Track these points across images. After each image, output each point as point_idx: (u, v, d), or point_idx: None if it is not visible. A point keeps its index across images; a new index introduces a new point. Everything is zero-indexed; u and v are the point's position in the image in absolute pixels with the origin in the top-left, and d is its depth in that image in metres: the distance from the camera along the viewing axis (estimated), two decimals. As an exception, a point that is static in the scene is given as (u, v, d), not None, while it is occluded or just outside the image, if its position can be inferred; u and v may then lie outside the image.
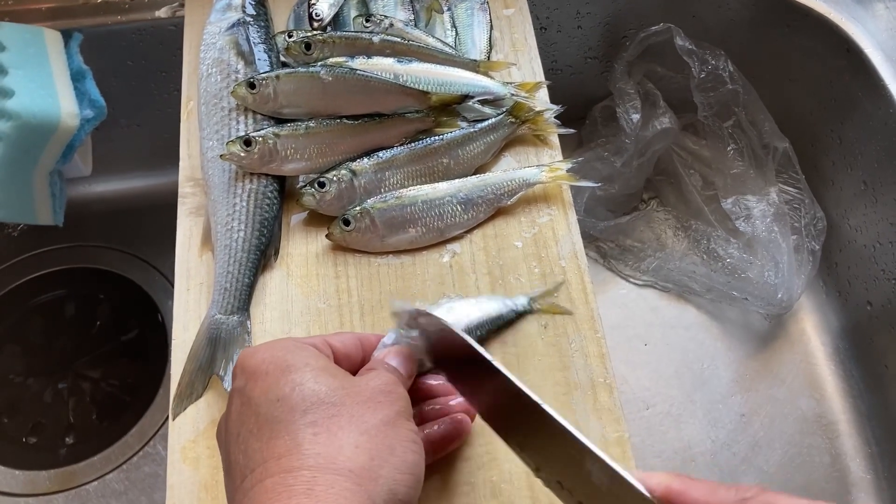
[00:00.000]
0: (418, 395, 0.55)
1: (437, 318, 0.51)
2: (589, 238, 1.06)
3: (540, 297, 0.64)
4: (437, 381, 0.56)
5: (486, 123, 0.72)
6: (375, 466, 0.43)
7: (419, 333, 0.53)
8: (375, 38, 0.74)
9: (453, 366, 0.52)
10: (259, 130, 0.67)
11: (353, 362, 0.52)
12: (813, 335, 1.03)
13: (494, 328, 0.63)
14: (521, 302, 0.64)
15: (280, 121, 0.70)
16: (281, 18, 0.80)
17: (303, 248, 0.68)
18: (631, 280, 1.06)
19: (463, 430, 0.56)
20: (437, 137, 0.70)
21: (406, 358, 0.52)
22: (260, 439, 0.44)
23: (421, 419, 0.54)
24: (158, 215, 1.01)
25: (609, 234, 1.06)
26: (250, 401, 0.46)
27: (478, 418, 0.58)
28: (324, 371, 0.47)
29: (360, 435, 0.44)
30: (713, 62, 0.97)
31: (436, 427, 0.54)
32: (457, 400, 0.56)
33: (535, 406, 0.43)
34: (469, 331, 0.61)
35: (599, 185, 1.01)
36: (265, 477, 0.42)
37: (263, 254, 0.66)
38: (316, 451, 0.42)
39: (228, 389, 0.59)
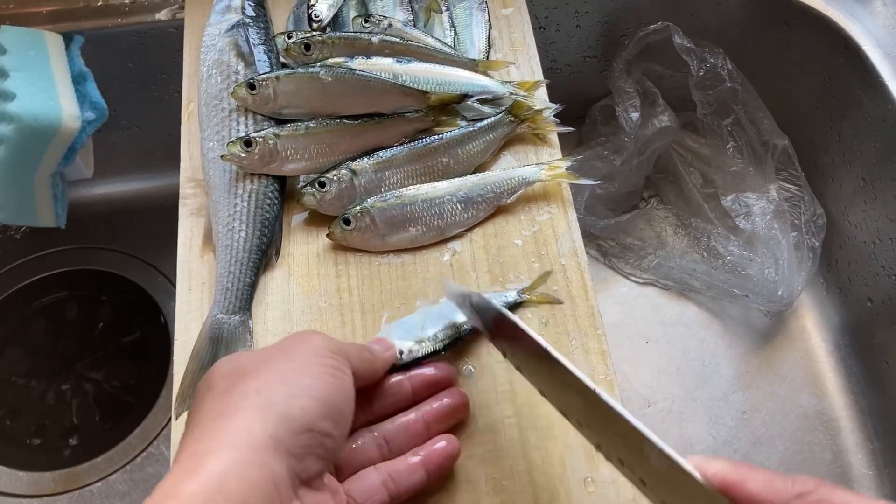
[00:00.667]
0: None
1: (490, 303, 0.55)
2: (589, 236, 1.06)
3: (529, 289, 0.65)
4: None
5: (485, 122, 0.72)
6: (263, 400, 0.44)
7: (473, 313, 0.57)
8: (374, 39, 0.74)
9: (512, 345, 0.55)
10: (259, 131, 0.68)
11: (363, 370, 0.53)
12: (814, 332, 1.03)
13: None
14: (510, 296, 0.64)
15: (280, 121, 0.70)
16: (280, 20, 0.80)
17: (304, 248, 0.68)
18: (632, 278, 1.07)
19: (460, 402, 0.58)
20: (436, 137, 0.71)
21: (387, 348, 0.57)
22: (193, 407, 0.47)
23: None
24: (160, 217, 1.01)
25: (609, 233, 1.06)
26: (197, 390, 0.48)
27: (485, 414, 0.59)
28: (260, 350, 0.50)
29: (257, 383, 0.45)
30: (712, 60, 0.97)
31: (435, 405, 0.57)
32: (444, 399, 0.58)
33: (593, 393, 0.44)
34: (460, 325, 0.61)
35: (599, 182, 1.02)
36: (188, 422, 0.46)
37: (265, 253, 0.66)
38: (227, 384, 0.46)
39: None
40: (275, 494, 0.41)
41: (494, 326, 0.56)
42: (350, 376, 0.49)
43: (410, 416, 0.56)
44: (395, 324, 0.62)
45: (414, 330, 0.60)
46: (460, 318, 0.61)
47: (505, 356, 0.57)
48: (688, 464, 0.38)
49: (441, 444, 0.55)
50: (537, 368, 0.52)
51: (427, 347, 0.59)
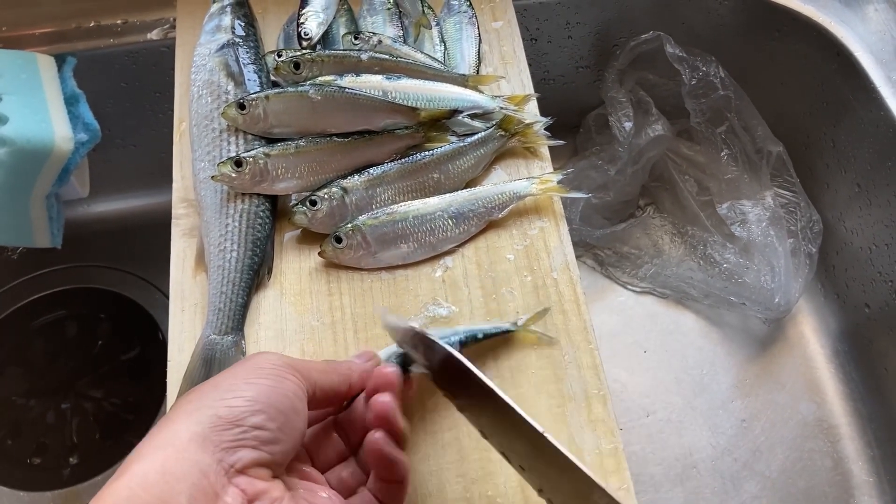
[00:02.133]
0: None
1: (431, 338, 0.52)
2: (586, 246, 1.06)
3: (524, 327, 0.64)
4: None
5: (475, 137, 0.72)
6: (194, 405, 0.46)
7: (414, 350, 0.53)
8: (364, 56, 0.74)
9: (452, 383, 0.52)
10: (250, 151, 0.68)
11: (334, 389, 0.53)
12: (812, 339, 1.03)
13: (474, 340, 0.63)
14: (504, 327, 0.64)
15: (271, 140, 0.70)
16: (271, 38, 0.80)
17: (296, 267, 0.68)
18: (629, 287, 1.06)
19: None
20: (427, 153, 0.71)
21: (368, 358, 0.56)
22: None
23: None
24: (156, 234, 1.01)
25: (606, 242, 1.06)
26: None
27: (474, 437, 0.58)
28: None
29: (192, 394, 0.47)
30: (704, 68, 0.97)
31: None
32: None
33: (539, 435, 0.44)
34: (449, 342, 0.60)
35: (589, 195, 1.02)
36: None
37: (257, 273, 0.66)
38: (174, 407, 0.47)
39: None
40: (203, 481, 0.42)
41: (439, 366, 0.53)
42: (295, 380, 0.49)
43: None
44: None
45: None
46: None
47: (449, 398, 0.54)
48: None
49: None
50: (481, 410, 0.51)
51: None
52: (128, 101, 0.96)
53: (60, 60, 0.86)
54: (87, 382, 1.00)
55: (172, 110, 0.76)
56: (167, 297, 1.03)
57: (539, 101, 0.77)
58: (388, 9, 0.81)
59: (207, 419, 0.44)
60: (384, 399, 0.51)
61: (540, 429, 0.44)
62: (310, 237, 0.69)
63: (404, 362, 0.55)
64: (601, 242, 1.06)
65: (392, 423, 0.50)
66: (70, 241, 0.92)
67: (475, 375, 0.49)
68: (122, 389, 1.00)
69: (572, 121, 1.12)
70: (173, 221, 0.70)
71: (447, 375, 0.52)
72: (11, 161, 0.78)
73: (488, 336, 0.63)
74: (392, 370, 0.53)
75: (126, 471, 0.42)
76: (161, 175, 1.04)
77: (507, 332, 0.63)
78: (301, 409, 0.49)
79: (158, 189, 1.08)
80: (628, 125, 0.98)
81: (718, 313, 1.04)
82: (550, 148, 0.75)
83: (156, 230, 1.05)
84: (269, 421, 0.46)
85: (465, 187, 0.71)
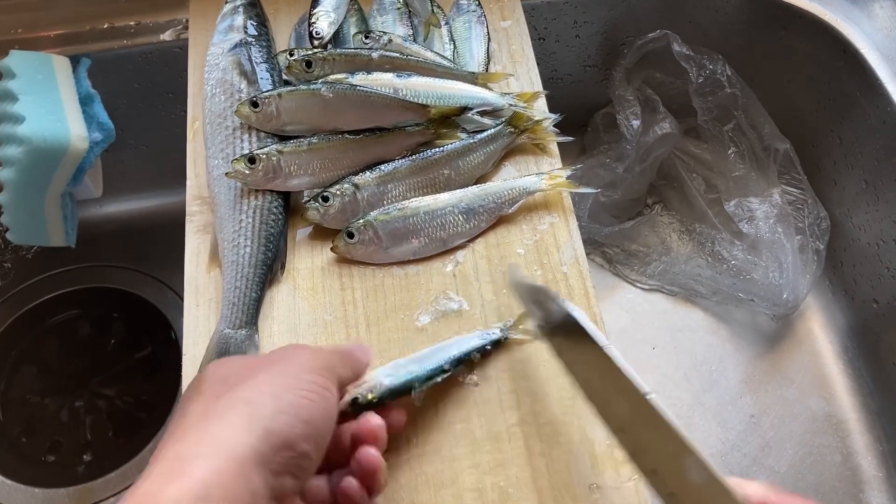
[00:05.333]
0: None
1: (552, 294, 0.55)
2: (594, 244, 1.07)
3: (512, 328, 0.64)
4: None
5: (485, 134, 0.73)
6: (250, 411, 0.44)
7: (535, 305, 0.58)
8: (375, 54, 0.75)
9: (565, 341, 0.55)
10: (263, 148, 0.69)
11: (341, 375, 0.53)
12: (820, 334, 1.03)
13: (466, 359, 0.63)
14: (494, 333, 0.64)
15: (283, 138, 0.71)
16: (282, 38, 0.81)
17: (308, 262, 0.69)
18: (637, 284, 1.07)
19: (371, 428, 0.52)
20: (437, 149, 0.72)
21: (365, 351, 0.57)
22: (181, 408, 0.47)
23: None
24: (169, 234, 1.02)
25: (614, 240, 1.07)
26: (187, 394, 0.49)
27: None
28: (247, 365, 0.50)
29: (243, 389, 0.46)
30: (711, 66, 0.98)
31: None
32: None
33: (642, 398, 0.44)
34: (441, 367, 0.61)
35: (599, 190, 1.02)
36: (173, 423, 0.45)
37: (270, 268, 0.67)
38: (215, 390, 0.46)
39: None
40: None
41: (554, 324, 0.55)
42: (335, 395, 0.49)
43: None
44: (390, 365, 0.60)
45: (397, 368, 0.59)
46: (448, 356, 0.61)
47: (557, 355, 0.57)
48: (729, 483, 0.38)
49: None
50: (589, 370, 0.52)
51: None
52: (140, 101, 0.97)
53: (75, 61, 0.87)
54: (101, 381, 1.01)
55: (185, 111, 0.77)
56: (180, 296, 1.05)
57: (547, 99, 0.77)
58: (398, 8, 0.82)
59: (265, 434, 0.43)
60: (372, 454, 0.50)
61: (646, 390, 0.44)
62: (322, 233, 0.70)
63: (379, 399, 0.55)
64: (609, 240, 1.07)
65: (376, 479, 0.50)
66: (83, 240, 0.93)
67: (590, 338, 0.50)
68: (136, 388, 1.01)
69: (580, 120, 1.12)
70: (187, 218, 0.71)
71: (562, 333, 0.54)
72: (27, 160, 0.79)
73: (482, 352, 0.63)
74: (378, 423, 0.52)
75: (184, 473, 0.40)
76: (173, 175, 1.06)
77: (499, 342, 0.64)
78: (331, 433, 0.49)
79: (171, 189, 1.09)
80: (636, 123, 0.99)
81: (727, 310, 1.04)
82: (558, 146, 0.76)
83: (168, 230, 1.06)
84: (315, 449, 0.46)
85: (475, 183, 0.72)
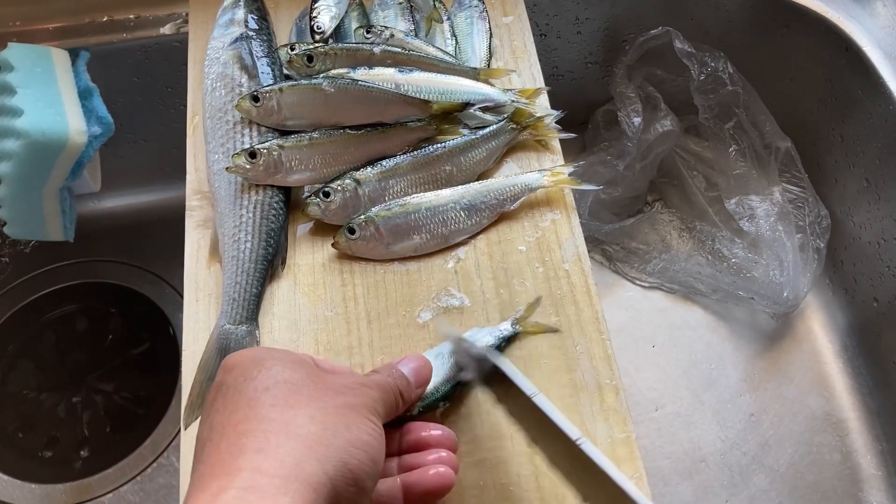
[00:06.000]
0: (410, 445, 0.55)
1: (478, 350, 0.54)
2: (594, 241, 1.07)
3: (521, 318, 0.64)
4: (434, 432, 0.55)
5: (487, 130, 0.72)
6: (328, 435, 0.43)
7: (468, 358, 0.56)
8: (376, 49, 0.75)
9: (504, 392, 0.54)
10: (264, 143, 0.68)
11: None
12: (820, 333, 1.03)
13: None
14: (505, 328, 0.64)
15: (284, 133, 0.71)
16: (283, 32, 0.81)
17: (309, 258, 0.69)
18: (637, 282, 1.07)
19: (444, 483, 0.53)
20: (439, 145, 0.71)
21: (421, 366, 0.54)
22: (224, 413, 0.45)
23: (403, 468, 0.54)
24: (167, 229, 1.02)
25: (614, 237, 1.07)
26: (221, 386, 0.47)
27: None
28: (295, 363, 0.48)
29: (316, 410, 0.44)
30: (713, 64, 0.97)
31: (417, 476, 0.53)
32: (439, 454, 0.54)
33: (574, 444, 0.44)
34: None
35: (601, 187, 1.02)
36: (221, 441, 0.43)
37: (270, 264, 0.67)
38: (271, 417, 0.43)
39: None
40: None
41: (488, 374, 0.55)
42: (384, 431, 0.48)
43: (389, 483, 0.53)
44: None
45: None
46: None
47: (497, 401, 0.56)
48: None
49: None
50: (526, 416, 0.51)
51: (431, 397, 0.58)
52: (139, 95, 0.97)
53: (74, 55, 0.87)
54: (98, 376, 1.01)
55: (184, 105, 0.77)
56: (177, 291, 1.05)
57: (548, 96, 0.77)
58: (400, 3, 0.81)
59: (341, 468, 0.42)
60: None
61: (575, 436, 0.44)
62: (323, 229, 0.70)
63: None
64: (609, 238, 1.07)
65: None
66: (81, 235, 0.93)
67: (514, 383, 0.49)
68: (133, 383, 1.01)
69: (581, 116, 1.12)
70: (187, 213, 0.71)
71: (496, 381, 0.53)
72: (26, 153, 0.78)
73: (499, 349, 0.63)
74: (450, 478, 0.52)
75: (264, 493, 0.39)
76: (172, 170, 1.06)
77: (513, 336, 0.64)
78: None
79: (169, 184, 1.09)
80: (637, 121, 0.99)
81: (727, 308, 1.04)
82: (560, 143, 0.75)
83: (166, 225, 1.07)
84: (374, 485, 0.45)
85: (477, 180, 0.72)
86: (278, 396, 0.45)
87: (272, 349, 0.50)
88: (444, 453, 0.54)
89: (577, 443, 0.43)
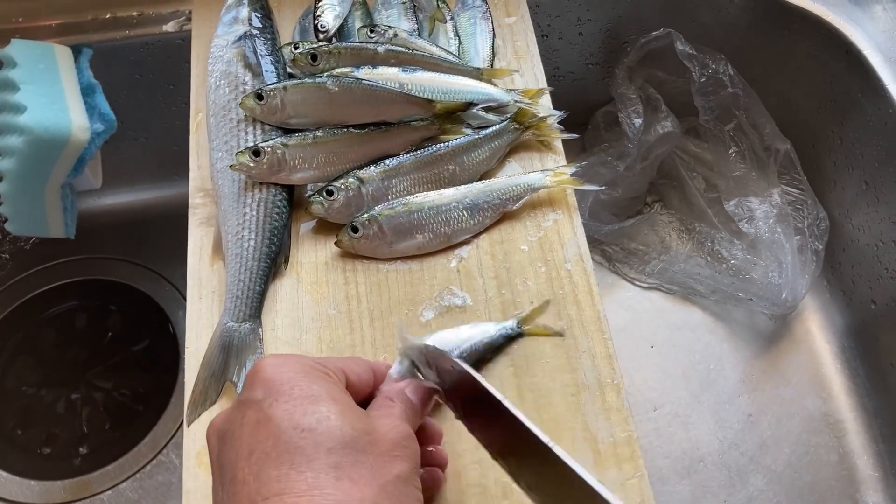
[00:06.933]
0: None
1: (447, 356, 0.51)
2: (594, 242, 1.07)
3: (527, 319, 0.65)
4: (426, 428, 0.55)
5: (490, 130, 0.73)
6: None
7: (427, 368, 0.52)
8: (380, 48, 0.75)
9: (463, 402, 0.51)
10: (267, 141, 0.69)
11: (362, 394, 0.52)
12: (818, 335, 1.04)
13: (484, 353, 0.63)
14: (510, 325, 0.64)
15: (288, 131, 0.71)
16: (286, 31, 0.81)
17: (312, 256, 0.69)
18: (636, 283, 1.07)
19: (438, 484, 0.55)
20: (442, 145, 0.71)
21: (426, 394, 0.52)
22: (279, 468, 0.42)
23: None
24: (168, 226, 1.03)
25: (614, 238, 1.07)
26: (270, 420, 0.44)
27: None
28: (349, 409, 0.46)
29: (379, 490, 0.43)
30: (713, 66, 0.98)
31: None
32: (432, 448, 0.55)
33: (547, 449, 0.43)
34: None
35: (603, 188, 1.03)
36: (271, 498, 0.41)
37: (273, 262, 0.67)
38: (337, 499, 0.41)
39: None
40: None
41: (451, 384, 0.51)
42: None
43: None
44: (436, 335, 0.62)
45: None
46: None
47: (459, 418, 0.52)
48: None
49: None
50: (489, 429, 0.50)
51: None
52: (141, 93, 0.97)
53: (77, 51, 0.86)
54: (98, 373, 1.01)
55: (186, 103, 0.77)
56: (178, 289, 1.05)
57: (550, 96, 0.77)
58: (403, 3, 0.81)
59: None
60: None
61: (546, 439, 0.43)
62: (326, 227, 0.70)
63: None
64: (609, 238, 1.07)
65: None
66: (81, 232, 0.93)
67: (489, 394, 0.47)
68: (132, 380, 1.01)
69: (581, 117, 1.13)
70: (190, 211, 0.71)
71: (460, 394, 0.51)
72: (28, 150, 0.78)
73: (497, 349, 0.63)
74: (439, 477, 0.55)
75: None
76: (173, 167, 1.06)
77: (514, 337, 0.64)
78: None
79: (170, 181, 1.09)
80: (638, 122, 0.99)
81: (725, 309, 1.04)
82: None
83: (167, 222, 1.07)
84: None
85: (480, 179, 0.72)
86: (342, 467, 0.43)
87: (313, 371, 0.48)
88: (431, 448, 0.54)
89: (549, 446, 0.43)
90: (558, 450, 0.42)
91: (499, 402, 0.46)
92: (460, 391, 0.50)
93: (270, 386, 0.46)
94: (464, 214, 0.69)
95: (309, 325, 0.65)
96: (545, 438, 0.43)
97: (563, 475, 0.42)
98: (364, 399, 0.51)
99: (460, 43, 0.81)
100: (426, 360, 0.52)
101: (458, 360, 0.50)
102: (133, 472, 0.94)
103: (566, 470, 0.42)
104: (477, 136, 0.72)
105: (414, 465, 0.47)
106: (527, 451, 0.45)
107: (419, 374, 0.53)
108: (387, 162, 0.70)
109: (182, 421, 0.94)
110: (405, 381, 0.52)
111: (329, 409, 0.44)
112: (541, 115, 0.74)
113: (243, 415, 0.45)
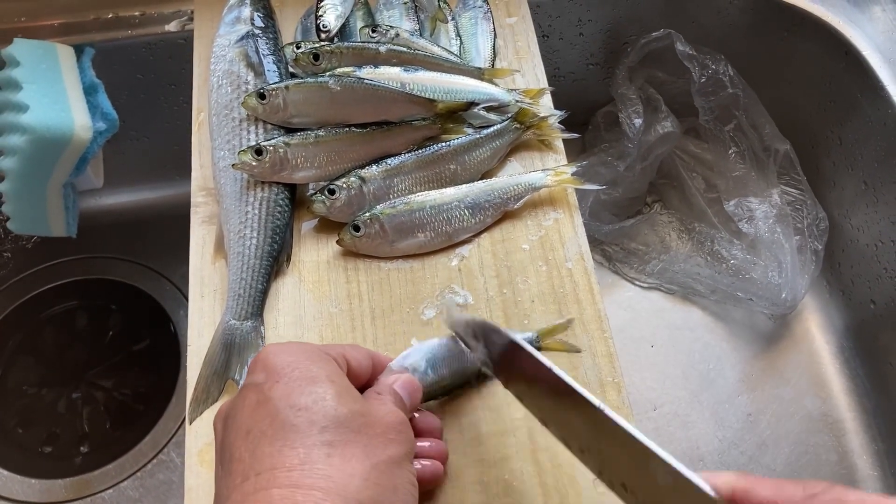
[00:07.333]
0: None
1: (497, 327, 0.52)
2: (594, 242, 1.07)
3: (548, 333, 0.64)
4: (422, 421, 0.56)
5: (491, 129, 0.73)
6: (380, 502, 0.43)
7: (474, 340, 0.54)
8: (382, 48, 0.75)
9: (512, 371, 0.53)
10: (270, 140, 0.69)
11: (361, 380, 0.53)
12: (818, 334, 1.04)
13: None
14: (528, 337, 0.64)
15: (290, 130, 0.71)
16: (289, 30, 0.81)
17: (314, 255, 0.69)
18: (636, 283, 1.07)
19: (437, 476, 0.55)
20: (443, 144, 0.72)
21: (415, 390, 0.53)
22: (272, 444, 0.44)
23: None
24: (169, 226, 1.03)
25: (614, 238, 1.07)
26: (269, 401, 0.46)
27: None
28: (346, 392, 0.47)
29: (371, 468, 0.44)
30: (713, 67, 0.98)
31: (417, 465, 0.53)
32: (430, 442, 0.56)
33: (598, 411, 0.44)
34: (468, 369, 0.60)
35: (604, 187, 1.03)
36: (272, 486, 0.42)
37: (276, 260, 0.67)
38: (328, 473, 0.42)
39: None
40: None
41: (499, 356, 0.54)
42: None
43: None
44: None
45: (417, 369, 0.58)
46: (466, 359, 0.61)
47: (506, 385, 0.55)
48: (697, 477, 0.38)
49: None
50: (540, 396, 0.51)
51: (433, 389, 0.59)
52: (143, 92, 0.97)
53: (79, 51, 0.87)
54: (98, 372, 1.01)
55: (188, 102, 0.77)
56: (179, 288, 1.05)
57: (550, 96, 0.78)
58: (405, 3, 0.82)
59: None
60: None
61: (598, 403, 0.44)
62: (328, 226, 0.70)
63: None
64: (609, 238, 1.07)
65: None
66: (83, 232, 0.93)
67: (537, 361, 0.48)
68: (133, 379, 1.01)
69: (582, 117, 1.13)
70: (192, 209, 0.71)
71: (508, 363, 0.53)
72: (31, 149, 0.79)
73: None
74: (439, 470, 0.55)
75: None
76: (174, 167, 1.06)
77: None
78: None
79: (172, 181, 1.09)
80: (638, 122, 0.99)
81: (725, 309, 1.05)
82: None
83: (168, 222, 1.07)
84: None
85: (481, 179, 0.72)
86: (335, 445, 0.44)
87: (313, 353, 0.49)
88: (427, 443, 0.55)
89: (601, 409, 0.43)
90: (609, 411, 0.43)
91: (548, 370, 0.47)
92: (509, 361, 0.52)
93: (272, 369, 0.47)
94: (465, 213, 0.69)
95: (311, 324, 0.66)
96: (596, 401, 0.44)
97: (613, 436, 0.43)
98: (362, 387, 0.52)
99: (462, 43, 0.81)
100: (473, 333, 0.55)
101: (508, 331, 0.52)
102: (134, 471, 0.94)
103: (617, 430, 0.42)
104: (478, 136, 0.72)
105: (408, 451, 0.48)
106: (576, 417, 0.46)
107: (466, 347, 0.57)
108: (388, 161, 0.71)
109: (183, 420, 0.95)
110: (394, 377, 0.54)
111: (325, 390, 0.46)
112: (542, 114, 0.74)
113: (244, 398, 0.47)
